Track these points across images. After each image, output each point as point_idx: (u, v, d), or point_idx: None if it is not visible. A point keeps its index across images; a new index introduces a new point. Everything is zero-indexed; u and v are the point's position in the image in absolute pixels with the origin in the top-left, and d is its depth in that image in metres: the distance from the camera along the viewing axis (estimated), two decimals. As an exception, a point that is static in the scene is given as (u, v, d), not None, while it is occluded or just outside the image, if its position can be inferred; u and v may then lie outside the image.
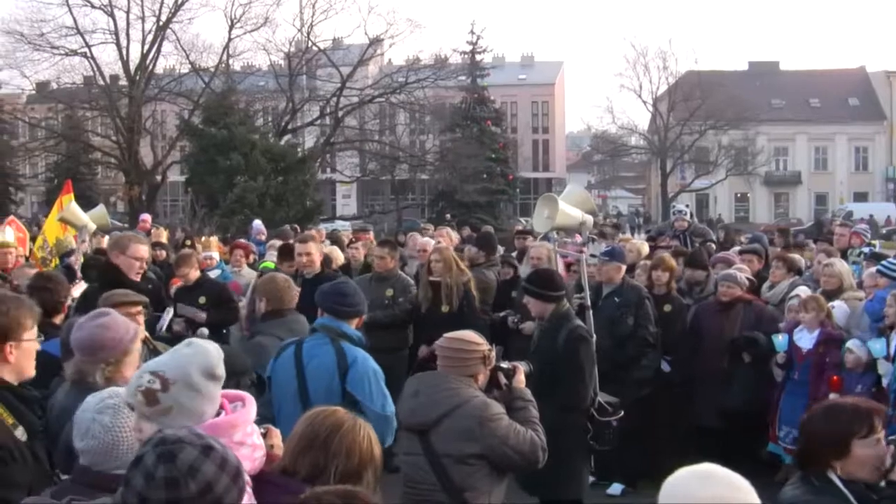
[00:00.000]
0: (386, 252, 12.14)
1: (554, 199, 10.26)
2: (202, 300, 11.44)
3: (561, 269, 11.29)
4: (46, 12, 57.52)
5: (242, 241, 17.92)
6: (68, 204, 15.31)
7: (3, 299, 4.82)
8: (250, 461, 3.77)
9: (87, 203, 26.14)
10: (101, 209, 16.29)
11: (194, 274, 12.05)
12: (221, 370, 3.86)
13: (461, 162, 62.11)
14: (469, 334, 6.42)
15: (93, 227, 14.85)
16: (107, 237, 14.94)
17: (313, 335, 7.11)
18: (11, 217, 21.16)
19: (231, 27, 59.17)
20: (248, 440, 3.85)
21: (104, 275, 8.96)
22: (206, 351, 3.86)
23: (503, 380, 6.50)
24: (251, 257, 15.66)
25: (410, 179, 72.38)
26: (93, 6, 57.88)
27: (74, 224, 14.71)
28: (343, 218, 62.00)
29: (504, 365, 6.63)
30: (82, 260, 12.80)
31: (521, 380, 6.58)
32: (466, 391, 6.11)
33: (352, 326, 7.10)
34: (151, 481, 2.91)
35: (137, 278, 8.92)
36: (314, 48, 60.26)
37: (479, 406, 6.06)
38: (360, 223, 42.44)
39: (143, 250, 9.31)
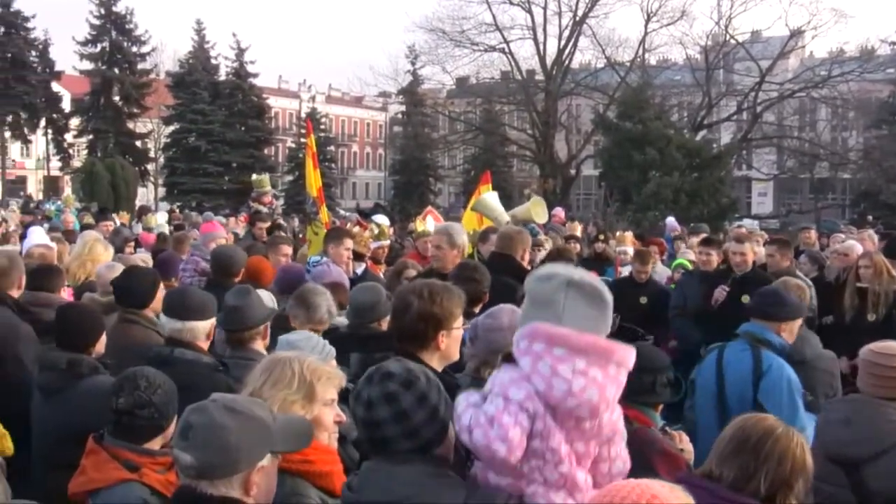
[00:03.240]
0: (775, 249, 11.09)
1: None
2: (643, 300, 10.79)
3: None
4: (467, 10, 60.41)
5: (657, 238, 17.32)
6: (484, 194, 15.10)
7: (436, 290, 4.89)
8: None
9: (501, 195, 26.30)
10: (533, 202, 15.80)
11: (647, 271, 11.58)
12: None
13: (888, 160, 58.26)
14: (902, 346, 5.55)
15: (506, 219, 14.45)
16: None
17: (736, 340, 6.84)
18: (430, 207, 21.54)
19: (647, 21, 59.07)
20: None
21: (500, 265, 8.52)
22: None
23: None
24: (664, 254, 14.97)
25: (830, 178, 68.88)
26: (511, 3, 59.90)
27: (487, 215, 14.43)
28: (758, 217, 59.98)
29: None
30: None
31: None
32: (912, 425, 5.32)
33: (781, 332, 6.73)
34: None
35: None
36: (732, 41, 58.83)
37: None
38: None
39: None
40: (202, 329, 5.76)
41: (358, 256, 10.25)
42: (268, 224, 14.39)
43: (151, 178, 73.38)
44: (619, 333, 6.51)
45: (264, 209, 17.77)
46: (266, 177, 20.64)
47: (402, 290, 5.11)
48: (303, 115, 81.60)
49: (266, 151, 76.66)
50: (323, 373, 4.01)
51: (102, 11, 67.91)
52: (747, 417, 3.97)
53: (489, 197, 14.78)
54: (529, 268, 8.70)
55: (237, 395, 3.54)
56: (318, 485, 3.89)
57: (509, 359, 3.61)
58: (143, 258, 10.51)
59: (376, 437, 3.51)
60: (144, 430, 4.22)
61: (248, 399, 3.49)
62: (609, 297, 3.79)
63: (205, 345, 5.76)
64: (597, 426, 3.54)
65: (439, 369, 4.75)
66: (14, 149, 77.73)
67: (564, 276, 3.73)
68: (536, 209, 14.89)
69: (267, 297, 6.92)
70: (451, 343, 4.87)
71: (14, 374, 4.80)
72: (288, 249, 10.43)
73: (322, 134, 75.61)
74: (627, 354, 3.61)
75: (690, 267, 12.24)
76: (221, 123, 69.18)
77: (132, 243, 14.12)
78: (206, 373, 5.41)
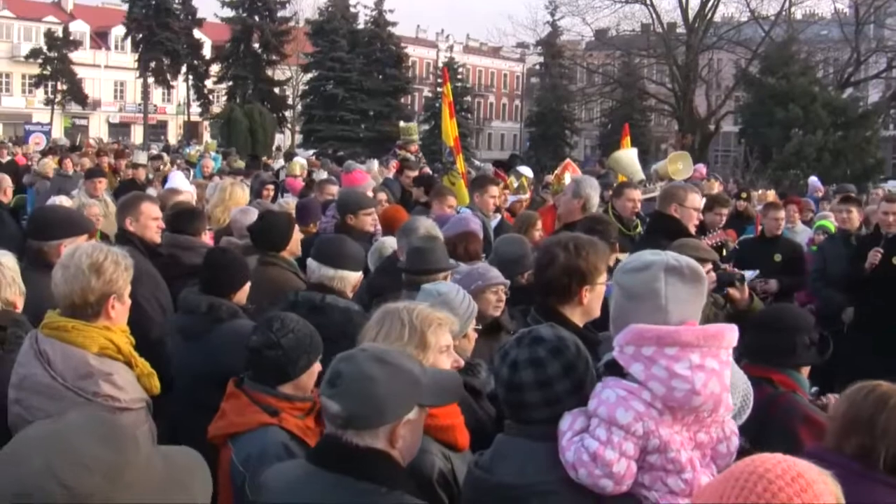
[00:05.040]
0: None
1: None
2: (777, 257, 10.49)
3: None
4: None
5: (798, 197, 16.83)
6: (620, 150, 14.91)
7: (582, 244, 4.81)
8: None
9: (638, 150, 26.01)
10: (672, 157, 15.42)
11: (780, 216, 11.28)
12: None
13: None
14: None
15: (640, 176, 14.20)
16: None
17: None
18: (568, 160, 21.32)
19: (796, -27, 57.07)
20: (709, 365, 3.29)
21: (665, 226, 8.24)
22: None
23: None
24: (807, 214, 14.46)
25: (984, 140, 66.21)
26: (655, -46, 58.48)
27: (620, 171, 14.23)
28: (903, 178, 58.24)
29: None
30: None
31: None
32: None
33: None
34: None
35: (692, 229, 8.15)
36: (886, -6, 56.68)
37: None
38: None
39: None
40: (352, 279, 5.82)
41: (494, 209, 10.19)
42: (416, 172, 14.27)
43: (289, 125, 74.52)
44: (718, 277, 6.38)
45: (412, 157, 17.72)
46: (414, 125, 20.66)
47: (548, 243, 5.04)
48: (440, 64, 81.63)
49: (403, 100, 77.21)
50: (434, 319, 3.97)
51: (244, -41, 68.87)
52: (857, 389, 3.74)
53: (625, 153, 14.56)
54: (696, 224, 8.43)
55: (389, 347, 3.49)
56: (438, 438, 3.91)
57: (612, 367, 3.43)
58: (288, 203, 10.64)
59: (516, 401, 3.44)
60: (271, 372, 4.24)
61: (398, 351, 3.43)
62: (704, 273, 3.66)
63: (350, 295, 5.78)
64: (715, 414, 3.36)
65: (581, 325, 4.68)
66: (156, 94, 79.66)
67: (661, 262, 3.55)
68: (676, 164, 14.51)
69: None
70: (593, 299, 4.76)
71: (131, 314, 4.80)
72: (454, 201, 10.29)
73: (459, 84, 75.74)
74: (734, 334, 3.42)
75: (833, 229, 11.83)
76: (359, 72, 69.83)
77: (271, 186, 14.23)
78: (359, 321, 5.34)
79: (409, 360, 3.30)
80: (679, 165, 14.54)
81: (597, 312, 4.82)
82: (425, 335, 3.90)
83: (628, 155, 14.67)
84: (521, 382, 3.40)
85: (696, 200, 8.36)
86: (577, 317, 4.71)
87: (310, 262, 5.92)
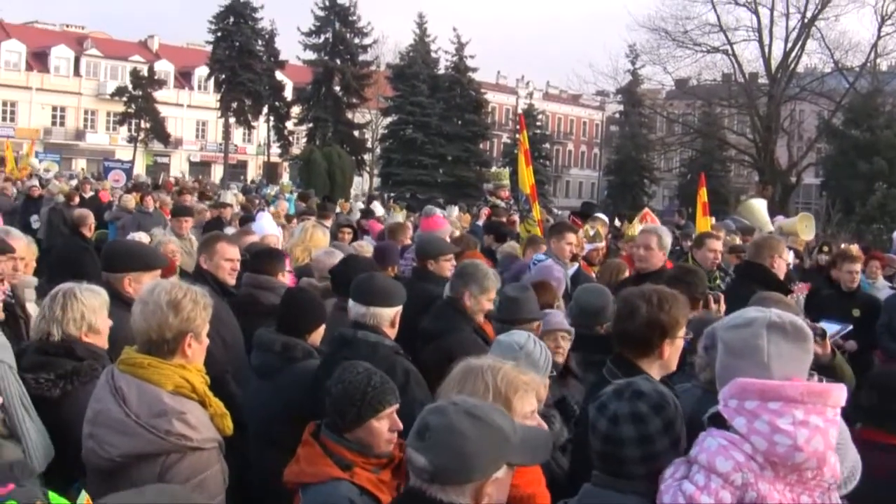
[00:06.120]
0: None
1: None
2: (856, 312, 10.30)
3: None
4: (691, 10, 59.79)
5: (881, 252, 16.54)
6: (753, 199, 15.16)
7: (665, 297, 4.73)
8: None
9: (716, 200, 25.81)
10: (801, 217, 15.71)
11: (856, 269, 11.11)
12: None
13: None
14: None
15: (769, 228, 14.36)
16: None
17: None
18: (647, 209, 21.20)
19: (881, 24, 56.53)
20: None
21: (757, 275, 8.19)
22: None
23: None
24: (889, 270, 14.25)
25: None
26: (737, 3, 59.04)
27: (751, 220, 14.44)
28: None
29: None
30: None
31: None
32: None
33: None
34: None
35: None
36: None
37: None
38: None
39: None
40: (386, 315, 5.69)
41: (571, 257, 10.10)
42: (504, 218, 14.28)
43: (367, 168, 75.04)
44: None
45: (502, 203, 17.71)
46: (506, 170, 20.65)
47: (630, 295, 4.92)
48: (519, 111, 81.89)
49: (481, 146, 77.40)
50: (520, 384, 3.85)
51: (327, 3, 69.87)
52: None
53: (756, 204, 14.90)
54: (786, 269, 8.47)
55: (480, 401, 3.37)
56: None
57: (716, 420, 3.38)
58: (363, 245, 10.68)
59: (613, 455, 3.40)
60: (328, 418, 4.26)
61: (489, 406, 3.32)
62: (809, 331, 3.60)
63: (390, 331, 5.67)
64: (819, 474, 3.26)
65: (657, 378, 4.56)
66: (237, 134, 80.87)
67: (763, 319, 3.52)
68: (803, 224, 14.80)
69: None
70: (672, 352, 4.69)
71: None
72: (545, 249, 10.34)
73: (538, 131, 75.92)
74: (842, 393, 3.35)
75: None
76: (439, 117, 70.26)
77: (347, 229, 14.29)
78: (385, 354, 5.39)
79: (501, 416, 3.20)
80: (805, 224, 14.89)
81: (674, 366, 4.78)
82: (511, 401, 3.77)
83: (759, 206, 15.02)
84: (622, 437, 3.37)
85: (787, 254, 8.58)
86: (655, 370, 4.63)
87: (349, 301, 5.87)
